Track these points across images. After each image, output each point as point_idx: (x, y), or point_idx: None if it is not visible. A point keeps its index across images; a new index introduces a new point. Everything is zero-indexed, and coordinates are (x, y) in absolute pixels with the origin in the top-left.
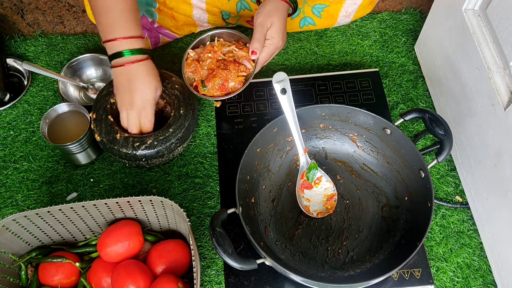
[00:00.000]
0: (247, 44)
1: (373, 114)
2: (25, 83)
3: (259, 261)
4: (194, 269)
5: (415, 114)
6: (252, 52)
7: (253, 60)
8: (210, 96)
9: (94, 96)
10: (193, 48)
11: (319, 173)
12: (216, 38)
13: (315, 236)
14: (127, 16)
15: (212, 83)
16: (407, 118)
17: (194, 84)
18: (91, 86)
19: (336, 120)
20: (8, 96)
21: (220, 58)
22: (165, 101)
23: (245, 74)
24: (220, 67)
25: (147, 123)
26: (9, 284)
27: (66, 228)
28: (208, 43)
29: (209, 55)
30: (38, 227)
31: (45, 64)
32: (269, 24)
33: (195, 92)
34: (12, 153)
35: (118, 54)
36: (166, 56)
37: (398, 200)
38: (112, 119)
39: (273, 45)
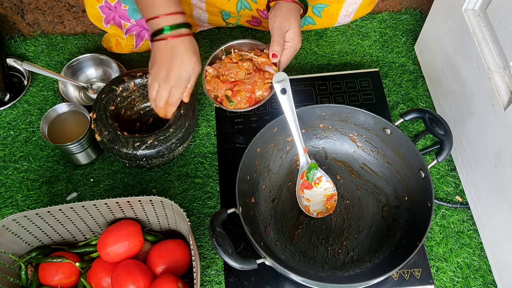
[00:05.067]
0: (265, 50)
1: (373, 114)
2: (25, 83)
3: (259, 261)
4: (194, 269)
5: (415, 114)
6: (273, 55)
7: (274, 64)
8: (239, 109)
9: (94, 96)
10: (209, 65)
11: (319, 173)
12: (233, 50)
13: (315, 236)
14: None
15: (240, 97)
16: (407, 118)
17: (219, 100)
18: (91, 86)
19: (336, 120)
20: (8, 96)
21: (249, 70)
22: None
23: (270, 80)
24: (244, 79)
25: (175, 99)
26: (9, 284)
27: (66, 228)
28: (223, 57)
29: (238, 70)
30: (38, 227)
31: (45, 64)
32: (287, 26)
33: (223, 107)
34: (12, 153)
35: (160, 31)
36: None
37: (398, 200)
38: (112, 119)
39: (293, 47)
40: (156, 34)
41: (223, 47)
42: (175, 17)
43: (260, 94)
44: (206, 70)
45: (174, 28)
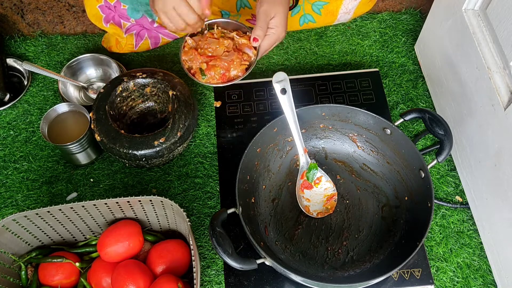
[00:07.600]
0: (247, 33)
1: (373, 114)
2: (25, 83)
3: (259, 261)
4: (194, 269)
5: (415, 114)
6: (254, 39)
7: (255, 48)
8: (210, 83)
9: (94, 96)
10: (190, 36)
11: (319, 173)
12: (216, 26)
13: (315, 236)
14: None
15: (214, 72)
16: (407, 118)
17: (192, 71)
18: (91, 86)
19: (336, 120)
20: (8, 96)
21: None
22: (165, 101)
23: (247, 63)
24: (222, 56)
25: (187, 16)
26: (9, 284)
27: (66, 228)
28: (206, 31)
29: (217, 46)
30: (38, 227)
31: (45, 64)
32: (273, 13)
33: (194, 79)
34: (12, 153)
35: None
36: (166, 56)
37: (398, 200)
38: (111, 119)
39: (275, 34)
40: None
41: (206, 23)
42: None
43: (234, 74)
44: (186, 41)
45: None
